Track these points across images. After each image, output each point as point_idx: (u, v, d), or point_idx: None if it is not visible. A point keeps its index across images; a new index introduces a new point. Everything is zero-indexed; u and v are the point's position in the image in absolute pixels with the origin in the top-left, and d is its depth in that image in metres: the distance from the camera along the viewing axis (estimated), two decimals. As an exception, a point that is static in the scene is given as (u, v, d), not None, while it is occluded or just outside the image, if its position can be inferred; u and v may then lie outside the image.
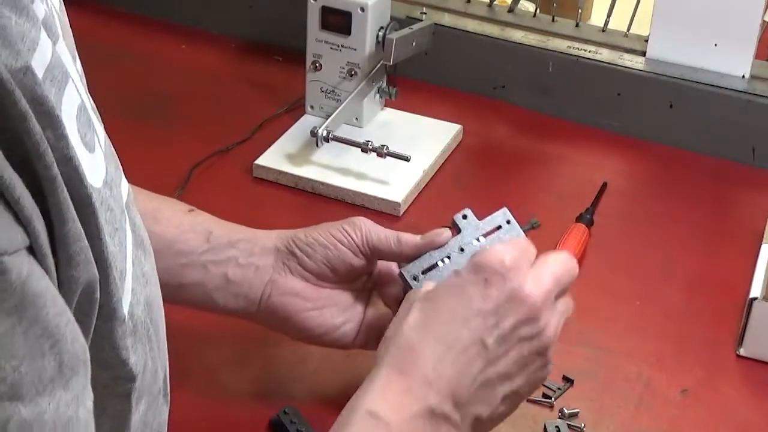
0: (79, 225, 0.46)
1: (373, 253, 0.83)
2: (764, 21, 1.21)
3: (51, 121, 0.45)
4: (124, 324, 0.52)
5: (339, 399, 0.89)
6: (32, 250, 0.44)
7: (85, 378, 0.47)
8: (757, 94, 1.22)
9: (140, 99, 1.29)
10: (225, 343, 0.94)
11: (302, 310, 0.83)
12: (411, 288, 0.79)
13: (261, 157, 1.18)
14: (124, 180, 0.56)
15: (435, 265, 0.80)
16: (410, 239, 0.82)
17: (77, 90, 0.49)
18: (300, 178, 1.15)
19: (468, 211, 0.81)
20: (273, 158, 1.17)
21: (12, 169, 0.42)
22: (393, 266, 0.84)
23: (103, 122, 0.55)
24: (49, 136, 0.44)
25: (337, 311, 0.84)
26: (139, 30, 1.45)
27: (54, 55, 0.47)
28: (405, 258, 0.82)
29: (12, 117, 0.42)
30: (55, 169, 0.44)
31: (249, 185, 1.16)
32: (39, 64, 0.45)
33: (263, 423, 0.86)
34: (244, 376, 0.91)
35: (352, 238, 0.83)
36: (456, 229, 0.81)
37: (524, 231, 0.83)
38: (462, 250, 0.80)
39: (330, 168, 1.16)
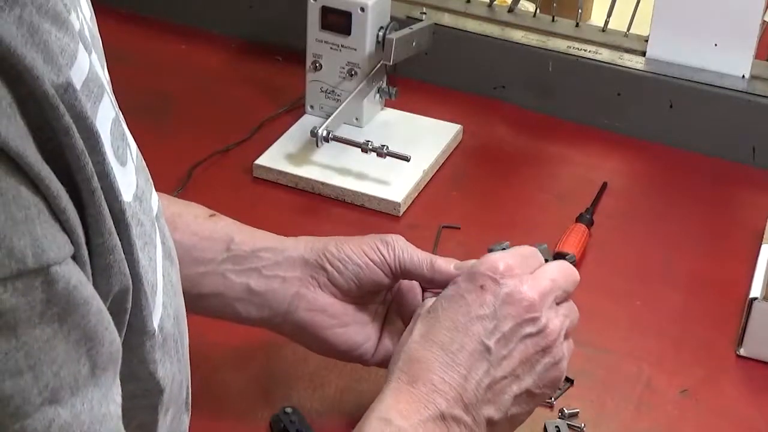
0: (115, 237, 0.47)
1: (403, 274, 0.81)
2: (764, 21, 1.21)
3: (89, 135, 0.45)
4: (154, 338, 0.53)
5: (339, 399, 0.89)
6: (75, 258, 0.44)
7: (114, 374, 0.48)
8: (757, 94, 1.22)
9: (140, 99, 1.29)
10: (225, 343, 0.94)
11: (329, 327, 0.82)
12: None
13: (261, 157, 1.17)
14: (154, 192, 0.57)
15: None
16: (443, 267, 0.80)
17: (111, 103, 0.50)
18: (300, 178, 1.15)
19: (507, 245, 0.79)
20: (273, 158, 1.17)
21: (58, 181, 0.42)
22: (414, 284, 0.83)
23: None
24: (88, 151, 0.45)
25: (360, 328, 0.83)
26: (139, 30, 1.45)
27: (91, 68, 0.47)
28: (435, 284, 0.80)
29: (56, 130, 0.43)
30: (95, 182, 0.45)
31: (249, 185, 1.16)
32: (77, 78, 0.46)
33: (263, 423, 0.86)
34: (244, 376, 0.91)
35: (384, 257, 0.80)
36: None
37: None
38: None
39: (330, 168, 1.16)
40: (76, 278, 0.43)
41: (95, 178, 0.45)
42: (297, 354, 0.91)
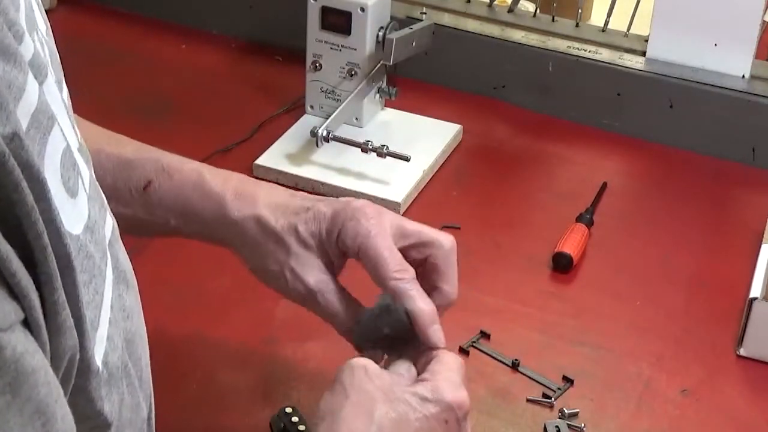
0: (63, 292, 0.45)
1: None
2: (764, 21, 1.22)
3: (35, 184, 0.43)
4: (98, 375, 0.50)
5: (339, 399, 0.89)
6: (27, 323, 0.42)
7: None
8: (757, 94, 1.22)
9: (140, 99, 1.29)
10: (225, 343, 0.94)
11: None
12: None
13: (261, 157, 1.18)
14: (108, 217, 0.55)
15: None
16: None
17: (62, 133, 0.48)
18: (300, 178, 1.15)
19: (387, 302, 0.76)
20: (273, 158, 1.17)
21: (7, 243, 0.41)
22: None
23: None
24: (35, 201, 0.43)
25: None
26: (139, 30, 1.45)
27: (40, 99, 0.45)
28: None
29: (5, 186, 0.41)
30: (46, 239, 0.43)
31: (249, 185, 1.16)
32: (24, 113, 0.43)
33: (263, 423, 0.86)
34: (244, 376, 0.91)
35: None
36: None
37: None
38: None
39: (330, 168, 1.16)
40: (23, 346, 0.41)
41: (45, 233, 0.43)
42: (297, 354, 0.91)
